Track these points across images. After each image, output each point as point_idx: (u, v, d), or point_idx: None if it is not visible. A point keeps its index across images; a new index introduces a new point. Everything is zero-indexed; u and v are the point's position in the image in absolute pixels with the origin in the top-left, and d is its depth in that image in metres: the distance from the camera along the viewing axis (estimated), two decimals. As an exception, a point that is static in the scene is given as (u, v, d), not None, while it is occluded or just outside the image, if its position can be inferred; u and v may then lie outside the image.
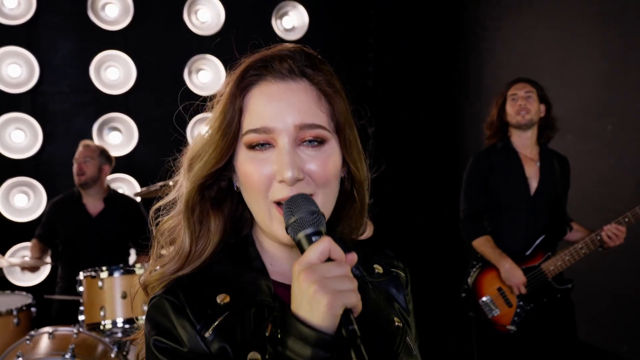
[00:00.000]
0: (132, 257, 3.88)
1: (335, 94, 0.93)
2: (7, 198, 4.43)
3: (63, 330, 2.82)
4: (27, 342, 2.73)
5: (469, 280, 3.03)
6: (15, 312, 3.02)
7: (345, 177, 0.97)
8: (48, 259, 3.77)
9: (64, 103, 4.68)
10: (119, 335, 2.86)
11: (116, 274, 2.90)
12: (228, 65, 0.97)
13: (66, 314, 3.41)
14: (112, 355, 2.76)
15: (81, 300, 2.92)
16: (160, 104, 4.67)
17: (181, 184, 0.98)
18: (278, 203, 0.88)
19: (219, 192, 0.97)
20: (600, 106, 3.85)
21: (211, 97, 0.98)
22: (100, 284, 2.87)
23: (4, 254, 4.35)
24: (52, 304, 3.63)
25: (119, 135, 4.74)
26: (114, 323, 2.85)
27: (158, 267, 0.97)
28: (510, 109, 3.00)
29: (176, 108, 1.14)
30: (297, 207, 0.84)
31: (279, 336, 0.77)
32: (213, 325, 0.86)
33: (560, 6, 4.19)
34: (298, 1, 5.13)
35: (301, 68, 0.91)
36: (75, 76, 4.67)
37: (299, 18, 5.18)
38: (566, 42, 4.12)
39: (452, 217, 3.42)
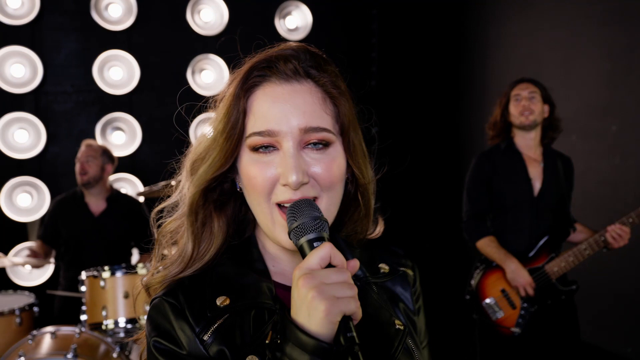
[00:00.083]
0: (135, 257, 3.88)
1: (341, 95, 0.91)
2: (10, 198, 4.44)
3: (65, 330, 2.82)
4: (30, 341, 2.74)
5: (473, 282, 3.00)
6: (17, 312, 3.03)
7: (349, 179, 0.95)
8: (51, 259, 3.78)
9: (67, 103, 4.68)
10: (121, 335, 2.86)
11: (118, 274, 2.90)
12: (232, 64, 0.96)
13: (68, 313, 3.42)
14: (114, 355, 2.76)
15: (83, 300, 2.92)
16: (163, 104, 4.69)
17: (183, 186, 0.96)
18: (281, 205, 0.87)
19: (222, 194, 0.96)
20: (603, 106, 3.84)
21: (214, 97, 0.97)
22: (102, 283, 2.86)
23: (6, 253, 4.36)
24: (55, 303, 3.64)
25: (122, 135, 4.75)
26: (116, 323, 2.85)
27: (160, 268, 0.97)
28: (513, 109, 2.97)
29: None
30: (300, 212, 0.83)
31: (278, 342, 0.77)
32: (212, 328, 0.86)
33: (563, 7, 4.18)
34: (301, 1, 5.14)
35: (306, 69, 0.90)
36: (79, 76, 4.67)
37: (303, 18, 5.18)
38: (570, 43, 4.10)
39: (456, 218, 3.40)
